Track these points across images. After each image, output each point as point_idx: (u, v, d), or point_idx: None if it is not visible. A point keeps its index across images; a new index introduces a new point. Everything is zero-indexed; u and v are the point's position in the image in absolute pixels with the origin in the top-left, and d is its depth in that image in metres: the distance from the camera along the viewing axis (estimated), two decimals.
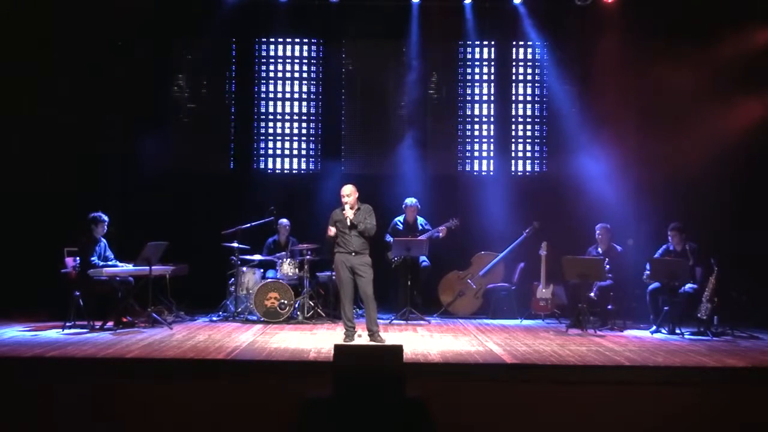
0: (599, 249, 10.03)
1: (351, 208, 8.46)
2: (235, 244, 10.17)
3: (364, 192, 8.78)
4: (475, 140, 12.16)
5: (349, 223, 8.41)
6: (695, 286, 9.34)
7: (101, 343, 8.09)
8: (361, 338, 8.54)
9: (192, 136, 12.01)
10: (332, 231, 8.44)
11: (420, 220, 10.91)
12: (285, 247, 10.66)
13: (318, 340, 8.54)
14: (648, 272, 9.43)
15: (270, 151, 12.19)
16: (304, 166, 12.24)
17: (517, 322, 10.39)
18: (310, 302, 10.14)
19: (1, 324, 9.39)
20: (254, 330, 9.30)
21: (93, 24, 10.93)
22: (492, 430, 6.39)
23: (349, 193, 8.53)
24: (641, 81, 11.25)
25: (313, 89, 12.25)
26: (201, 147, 11.97)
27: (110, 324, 9.17)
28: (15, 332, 8.90)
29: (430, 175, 11.85)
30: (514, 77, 12.19)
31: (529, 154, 12.19)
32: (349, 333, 8.43)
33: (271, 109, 12.22)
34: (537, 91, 12.21)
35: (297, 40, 12.20)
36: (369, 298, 8.37)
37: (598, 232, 10.08)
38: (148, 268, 9.23)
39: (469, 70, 12.14)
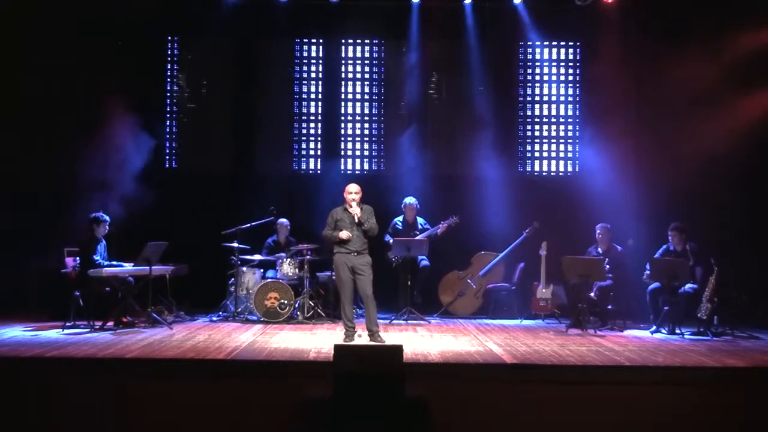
0: (599, 249, 10.03)
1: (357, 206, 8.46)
2: (235, 244, 10.17)
3: (364, 192, 8.75)
4: (475, 140, 12.14)
5: (357, 221, 8.39)
6: (695, 286, 9.33)
7: (101, 343, 8.08)
8: (361, 338, 8.53)
9: (192, 135, 12.01)
10: (345, 234, 8.38)
11: (420, 219, 10.90)
12: (285, 247, 10.66)
13: (318, 340, 8.54)
14: (648, 272, 9.42)
15: (270, 151, 12.18)
16: (304, 166, 12.24)
17: (517, 322, 10.39)
18: (310, 302, 10.14)
19: (1, 324, 9.38)
20: (254, 330, 9.30)
21: (93, 24, 10.92)
22: (492, 430, 6.39)
23: (357, 191, 8.52)
24: (641, 81, 11.26)
25: (313, 89, 12.24)
26: (201, 147, 11.96)
27: (110, 324, 9.17)
28: (15, 332, 8.89)
29: (430, 175, 11.82)
30: (514, 77, 12.18)
31: (529, 155, 12.18)
32: (349, 333, 8.43)
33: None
34: (537, 91, 12.20)
35: (297, 39, 12.18)
36: (369, 298, 8.36)
37: (598, 232, 10.08)
38: (148, 268, 9.23)
39: (469, 70, 12.13)
